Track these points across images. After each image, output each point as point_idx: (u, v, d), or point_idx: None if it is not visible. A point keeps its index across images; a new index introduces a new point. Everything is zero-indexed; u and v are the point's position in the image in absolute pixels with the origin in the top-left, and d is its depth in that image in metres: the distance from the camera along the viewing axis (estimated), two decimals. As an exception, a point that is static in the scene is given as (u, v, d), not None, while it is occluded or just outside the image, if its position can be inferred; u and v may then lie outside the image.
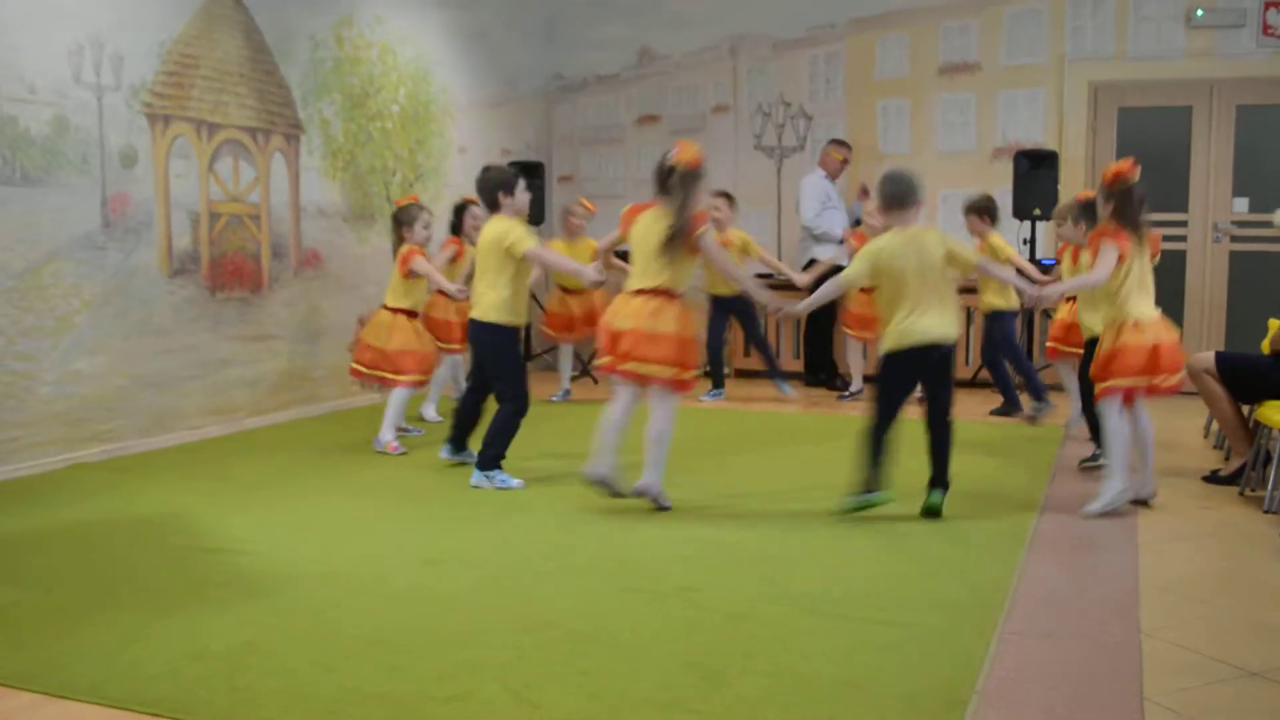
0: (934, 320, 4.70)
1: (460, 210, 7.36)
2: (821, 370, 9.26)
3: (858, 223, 8.82)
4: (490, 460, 5.40)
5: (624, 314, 4.84)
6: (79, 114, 5.91)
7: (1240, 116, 8.97)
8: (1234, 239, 9.04)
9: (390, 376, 6.34)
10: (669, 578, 3.97)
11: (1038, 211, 8.48)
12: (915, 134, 9.63)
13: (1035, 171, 8.59)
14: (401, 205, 6.56)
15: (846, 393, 8.59)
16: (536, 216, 9.52)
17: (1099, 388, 4.93)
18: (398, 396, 6.37)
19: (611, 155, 10.59)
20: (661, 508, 4.90)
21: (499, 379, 5.48)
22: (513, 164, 9.63)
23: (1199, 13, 8.76)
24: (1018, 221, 8.73)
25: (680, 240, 4.77)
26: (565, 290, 8.39)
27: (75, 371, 5.91)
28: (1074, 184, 8.94)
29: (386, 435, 6.28)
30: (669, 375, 4.77)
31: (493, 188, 5.50)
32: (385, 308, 6.44)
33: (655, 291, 4.82)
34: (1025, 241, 8.71)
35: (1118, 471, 4.92)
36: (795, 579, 3.97)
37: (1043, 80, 9.24)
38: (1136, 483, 5.04)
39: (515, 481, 5.39)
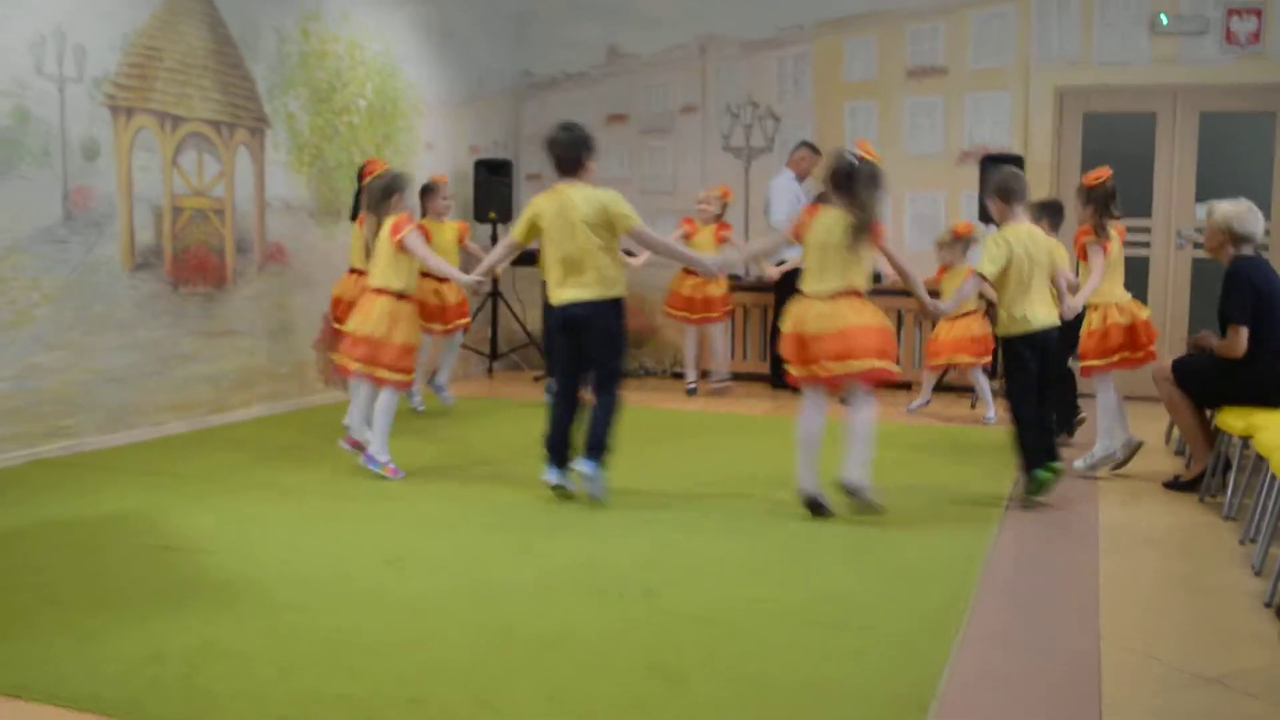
0: (1048, 309, 5.14)
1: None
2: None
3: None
4: (605, 452, 4.96)
5: (814, 318, 4.73)
6: (40, 105, 5.84)
7: (1203, 123, 9.06)
8: (1197, 245, 9.12)
9: (387, 375, 5.53)
10: (632, 581, 3.96)
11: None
12: (883, 136, 9.66)
13: (1001, 175, 8.62)
14: (389, 172, 5.78)
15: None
16: (503, 215, 9.52)
17: (1092, 364, 5.71)
18: (389, 402, 5.57)
19: (580, 153, 10.55)
20: (867, 503, 4.83)
21: (608, 361, 5.02)
22: (480, 162, 9.65)
23: (1163, 19, 8.84)
24: (983, 225, 8.77)
25: (867, 237, 4.70)
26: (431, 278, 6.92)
27: (34, 366, 5.84)
28: (1039, 188, 9.00)
29: (383, 455, 5.53)
30: (873, 366, 4.68)
31: (578, 147, 4.98)
32: (380, 290, 5.58)
33: (846, 293, 4.73)
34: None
35: (1105, 434, 5.81)
36: (759, 583, 3.97)
37: (1009, 84, 9.30)
38: (1122, 442, 5.85)
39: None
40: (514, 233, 5.22)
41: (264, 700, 2.90)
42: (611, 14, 10.34)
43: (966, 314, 7.62)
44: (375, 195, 5.68)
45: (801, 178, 9.21)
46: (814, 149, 9.33)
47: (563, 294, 5.00)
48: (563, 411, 5.13)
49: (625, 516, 4.86)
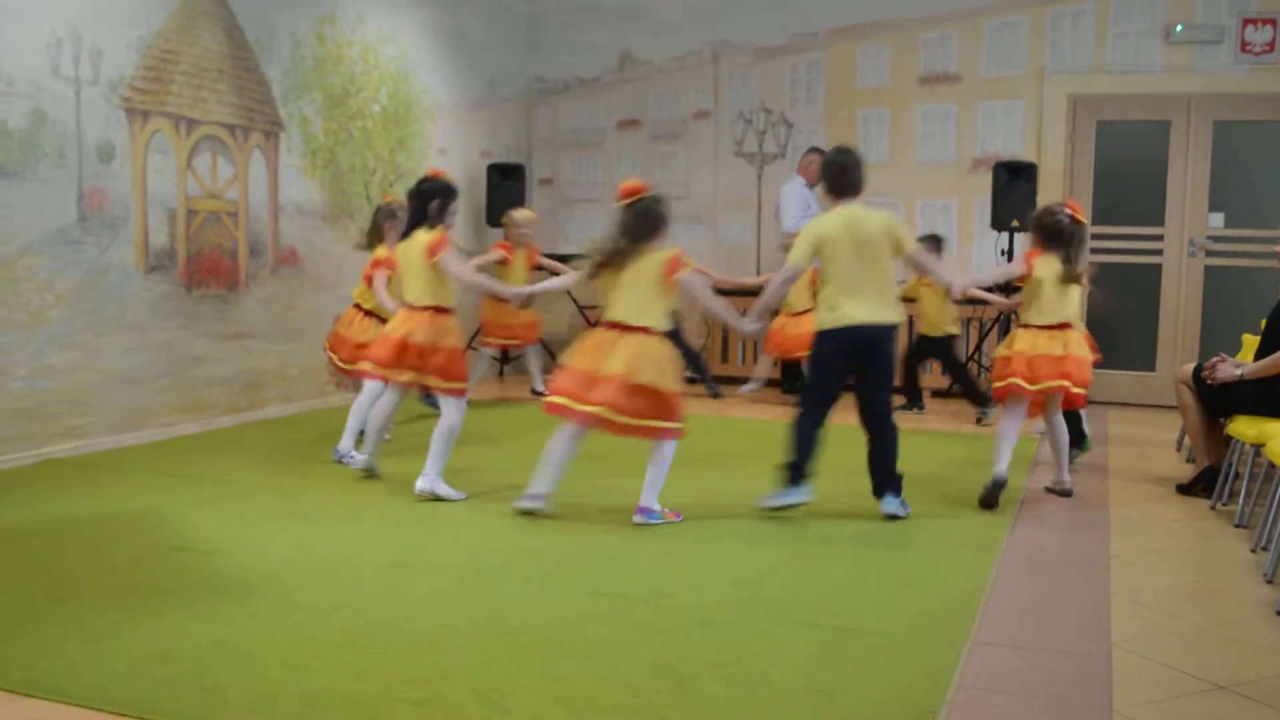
0: None
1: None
2: (799, 379, 9.24)
3: None
4: (900, 480, 5.02)
5: (1046, 343, 5.26)
6: (56, 107, 5.87)
7: (1217, 132, 9.03)
8: (1209, 254, 9.10)
9: (671, 426, 4.85)
10: (640, 583, 3.96)
11: (1015, 223, 8.51)
12: (895, 143, 9.66)
13: (1014, 183, 8.62)
14: (656, 194, 4.89)
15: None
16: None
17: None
18: (671, 452, 4.95)
19: (592, 159, 10.58)
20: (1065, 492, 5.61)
21: (886, 386, 5.00)
22: (493, 166, 9.67)
23: (1178, 28, 8.82)
24: (995, 232, 8.77)
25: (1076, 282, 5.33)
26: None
27: (47, 366, 5.87)
28: (1052, 196, 8.98)
29: (656, 503, 4.90)
30: (1080, 393, 5.33)
31: (859, 170, 5.02)
32: (637, 329, 4.79)
33: (1066, 325, 5.31)
34: (1003, 252, 8.76)
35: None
36: (766, 586, 3.98)
37: (1022, 92, 9.29)
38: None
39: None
40: (794, 259, 4.98)
41: (273, 700, 2.90)
42: (624, 20, 10.35)
43: (806, 312, 8.00)
44: (642, 222, 4.80)
45: (812, 184, 9.18)
46: (824, 154, 9.31)
47: (853, 315, 4.86)
48: (816, 438, 5.00)
49: (629, 520, 4.86)
